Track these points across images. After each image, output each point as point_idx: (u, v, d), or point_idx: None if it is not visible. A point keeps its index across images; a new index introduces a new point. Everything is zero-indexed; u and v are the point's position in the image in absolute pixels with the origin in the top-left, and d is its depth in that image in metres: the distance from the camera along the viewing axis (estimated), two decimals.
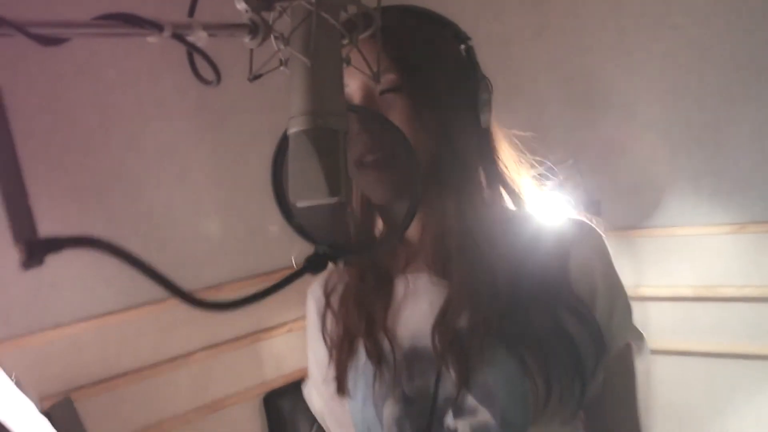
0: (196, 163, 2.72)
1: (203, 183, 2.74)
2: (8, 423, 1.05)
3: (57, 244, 0.66)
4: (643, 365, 1.20)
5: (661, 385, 2.86)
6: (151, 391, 2.56)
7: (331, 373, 1.21)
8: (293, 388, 2.90)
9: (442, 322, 1.12)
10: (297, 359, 2.96)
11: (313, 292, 1.33)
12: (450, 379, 1.10)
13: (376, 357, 1.16)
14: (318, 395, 1.31)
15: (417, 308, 1.17)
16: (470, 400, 1.09)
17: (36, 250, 0.65)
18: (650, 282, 2.84)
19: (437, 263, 1.16)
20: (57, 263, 2.19)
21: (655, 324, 2.83)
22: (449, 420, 1.10)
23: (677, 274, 2.78)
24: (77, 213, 2.35)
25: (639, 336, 1.19)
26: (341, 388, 1.19)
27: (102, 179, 2.41)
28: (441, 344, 1.11)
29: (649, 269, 2.84)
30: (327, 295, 1.28)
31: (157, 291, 2.28)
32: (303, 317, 2.91)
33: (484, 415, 1.08)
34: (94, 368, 2.41)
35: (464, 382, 1.09)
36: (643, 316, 2.85)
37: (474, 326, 1.09)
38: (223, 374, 2.74)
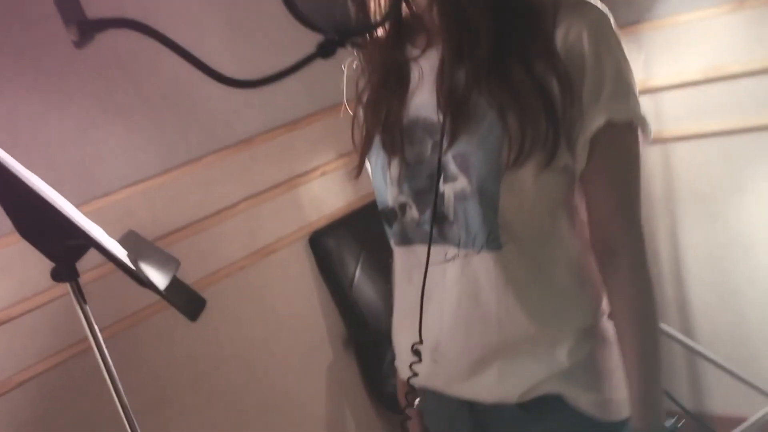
0: (211, 28, 2.76)
1: (221, 46, 2.78)
2: (93, 231, 1.20)
3: (102, 24, 0.78)
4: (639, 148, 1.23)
5: (682, 170, 2.98)
6: (203, 244, 2.71)
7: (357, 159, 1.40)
8: (335, 226, 3.05)
9: (442, 78, 1.22)
10: (334, 200, 3.09)
11: (350, 78, 1.43)
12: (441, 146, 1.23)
13: (389, 144, 1.32)
14: None
15: (426, 85, 1.28)
16: (452, 168, 1.22)
17: (86, 29, 0.77)
18: (659, 72, 2.90)
19: (440, 35, 1.23)
20: (98, 136, 2.37)
21: (669, 112, 2.92)
22: (441, 184, 1.24)
23: (684, 60, 2.84)
24: (106, 88, 2.44)
25: (640, 119, 1.21)
26: (359, 168, 1.40)
27: (123, 53, 2.49)
28: (443, 99, 1.21)
29: (657, 60, 2.89)
30: (360, 92, 1.41)
31: (193, 150, 2.45)
32: (333, 159, 2.98)
33: (462, 181, 1.21)
34: (145, 229, 2.52)
35: (450, 145, 1.21)
36: (655, 107, 2.93)
37: (467, 78, 1.19)
38: (268, 221, 2.88)
